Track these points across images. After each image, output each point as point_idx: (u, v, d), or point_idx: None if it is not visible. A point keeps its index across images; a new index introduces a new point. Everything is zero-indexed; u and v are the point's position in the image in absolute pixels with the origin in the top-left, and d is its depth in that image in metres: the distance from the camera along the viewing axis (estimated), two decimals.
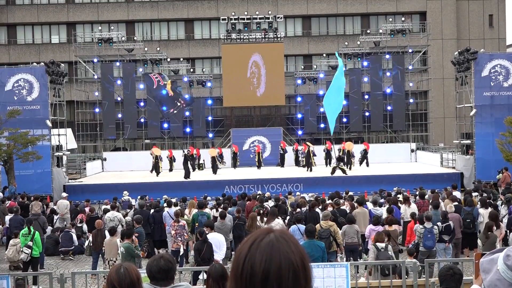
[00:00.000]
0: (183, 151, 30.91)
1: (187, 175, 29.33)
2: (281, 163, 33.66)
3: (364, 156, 32.58)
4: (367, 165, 32.21)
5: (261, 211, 15.45)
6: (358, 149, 33.23)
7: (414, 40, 40.42)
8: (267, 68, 37.74)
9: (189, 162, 30.10)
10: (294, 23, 47.70)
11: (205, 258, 11.45)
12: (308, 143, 32.27)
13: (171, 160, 31.64)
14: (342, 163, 29.85)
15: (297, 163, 33.53)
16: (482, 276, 2.25)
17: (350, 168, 30.66)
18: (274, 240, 1.80)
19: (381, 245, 11.41)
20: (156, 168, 30.81)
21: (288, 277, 1.75)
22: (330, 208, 15.34)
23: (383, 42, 39.40)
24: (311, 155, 31.14)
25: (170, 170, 31.54)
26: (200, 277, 11.89)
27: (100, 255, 14.44)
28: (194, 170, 31.18)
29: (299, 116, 41.00)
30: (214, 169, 30.99)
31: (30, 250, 13.75)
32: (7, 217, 18.08)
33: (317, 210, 15.51)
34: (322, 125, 39.53)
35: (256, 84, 37.94)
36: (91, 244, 14.67)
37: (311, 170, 30.67)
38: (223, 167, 32.38)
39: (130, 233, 12.01)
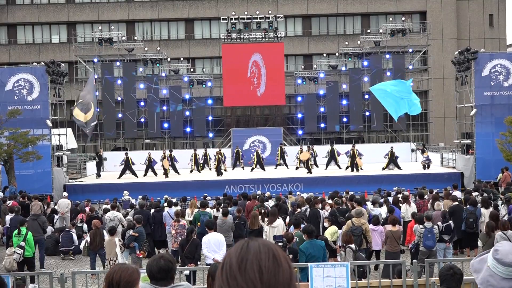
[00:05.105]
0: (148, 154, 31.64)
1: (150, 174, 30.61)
2: (279, 164, 33.05)
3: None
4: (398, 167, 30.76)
5: (262, 211, 15.48)
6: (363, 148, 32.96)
7: (414, 40, 40.39)
8: (267, 67, 37.72)
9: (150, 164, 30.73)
10: (294, 23, 47.70)
11: (188, 256, 11.58)
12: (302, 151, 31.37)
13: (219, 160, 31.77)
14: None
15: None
16: (474, 276, 2.26)
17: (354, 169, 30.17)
18: (254, 243, 1.81)
19: (352, 246, 11.24)
20: (149, 169, 31.02)
21: (268, 258, 1.74)
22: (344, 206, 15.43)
23: (383, 42, 39.36)
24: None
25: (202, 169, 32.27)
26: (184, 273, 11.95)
27: (98, 255, 14.43)
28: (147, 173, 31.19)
29: (300, 116, 40.99)
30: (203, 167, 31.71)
31: (22, 251, 13.68)
32: (8, 217, 18.09)
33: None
34: (322, 125, 39.50)
35: (256, 84, 37.92)
36: (89, 244, 14.66)
37: (283, 167, 31.07)
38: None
39: None
